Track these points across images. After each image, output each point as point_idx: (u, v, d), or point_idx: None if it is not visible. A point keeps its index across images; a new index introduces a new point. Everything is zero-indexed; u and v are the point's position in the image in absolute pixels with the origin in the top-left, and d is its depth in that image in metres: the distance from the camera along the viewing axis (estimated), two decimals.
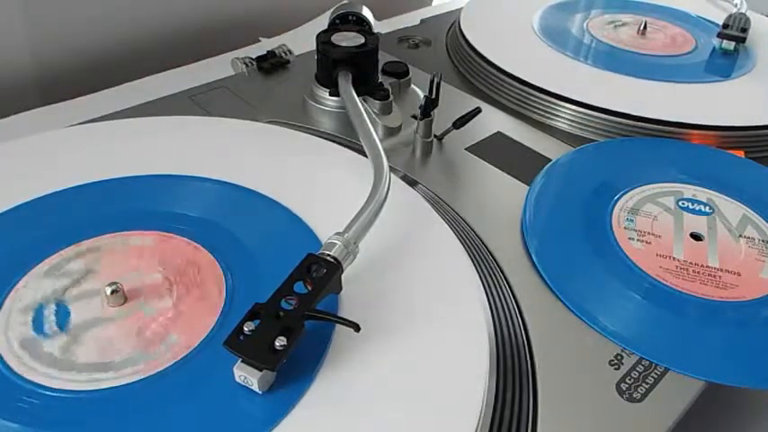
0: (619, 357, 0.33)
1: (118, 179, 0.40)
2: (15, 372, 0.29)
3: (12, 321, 0.31)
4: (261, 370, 0.27)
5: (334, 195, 0.40)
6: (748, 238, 0.41)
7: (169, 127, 0.46)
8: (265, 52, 0.58)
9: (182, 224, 0.37)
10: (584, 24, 0.67)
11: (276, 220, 0.38)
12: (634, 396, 0.31)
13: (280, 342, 0.27)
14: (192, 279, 0.34)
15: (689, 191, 0.44)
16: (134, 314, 0.32)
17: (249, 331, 0.28)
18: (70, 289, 0.33)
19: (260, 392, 0.28)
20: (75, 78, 0.64)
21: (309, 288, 0.30)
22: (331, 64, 0.49)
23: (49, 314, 0.31)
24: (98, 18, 0.64)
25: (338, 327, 0.31)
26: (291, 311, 0.28)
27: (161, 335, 0.31)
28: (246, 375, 0.27)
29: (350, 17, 0.53)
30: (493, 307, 0.35)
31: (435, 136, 0.48)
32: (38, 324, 0.31)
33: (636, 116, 0.51)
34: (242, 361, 0.27)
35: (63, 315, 0.31)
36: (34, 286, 0.33)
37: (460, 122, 0.47)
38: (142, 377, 0.29)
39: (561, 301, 0.36)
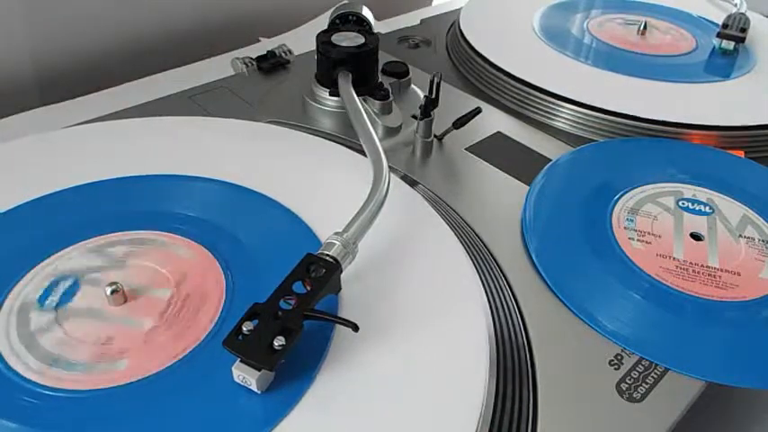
0: (619, 357, 0.33)
1: (118, 179, 0.40)
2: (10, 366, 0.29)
3: (32, 285, 0.32)
4: (259, 370, 0.27)
5: (333, 195, 0.40)
6: (748, 238, 0.41)
7: (169, 127, 0.46)
8: (265, 52, 0.58)
9: (182, 224, 0.37)
10: (585, 24, 0.67)
11: (276, 220, 0.38)
12: (634, 396, 0.31)
13: (278, 342, 0.27)
14: (191, 308, 0.32)
15: (689, 191, 0.44)
16: (113, 322, 0.31)
17: (248, 331, 0.27)
18: (96, 272, 0.33)
19: (259, 392, 0.28)
20: (74, 78, 0.64)
21: (308, 288, 0.30)
22: (331, 64, 0.49)
23: (61, 288, 0.32)
24: (98, 18, 0.64)
25: (338, 327, 0.31)
26: (290, 311, 0.28)
27: (116, 354, 0.30)
28: (245, 375, 0.27)
29: (350, 17, 0.53)
30: (493, 307, 0.35)
31: (435, 136, 0.48)
32: (46, 293, 0.32)
33: (636, 116, 0.51)
34: (240, 361, 0.27)
35: (69, 294, 0.32)
36: (76, 257, 0.34)
37: (460, 122, 0.47)
38: (142, 377, 0.29)
39: (561, 301, 0.36)
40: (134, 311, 0.32)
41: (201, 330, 0.31)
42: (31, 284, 0.32)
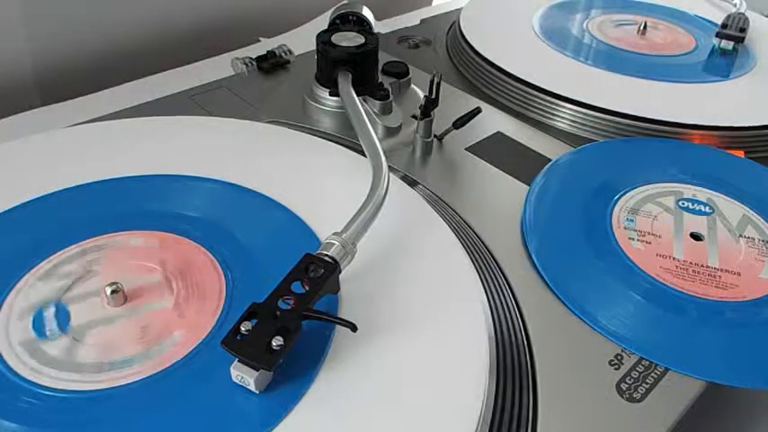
0: (619, 357, 0.33)
1: (118, 179, 0.40)
2: (15, 371, 0.29)
3: (11, 323, 0.31)
4: (257, 370, 0.27)
5: (333, 195, 0.40)
6: (748, 238, 0.41)
7: (169, 127, 0.46)
8: (265, 52, 0.58)
9: (182, 224, 0.37)
10: (585, 24, 0.67)
11: (276, 220, 0.38)
12: (634, 396, 0.31)
13: (276, 342, 0.27)
14: (192, 279, 0.34)
15: (689, 191, 0.44)
16: (134, 314, 0.32)
17: (246, 331, 0.27)
18: (70, 290, 0.33)
19: (257, 392, 0.28)
20: (75, 78, 0.64)
21: (307, 288, 0.30)
22: (331, 64, 0.49)
23: (49, 316, 0.31)
24: (98, 18, 0.64)
25: (338, 327, 0.31)
26: (288, 311, 0.28)
27: (161, 335, 0.31)
28: (243, 375, 0.27)
29: (350, 17, 0.52)
30: (493, 307, 0.34)
31: (435, 136, 0.48)
32: (38, 326, 0.31)
33: (636, 116, 0.51)
34: (239, 360, 0.27)
35: (63, 316, 0.31)
36: (34, 288, 0.33)
37: (460, 122, 0.47)
38: (142, 377, 0.29)
39: (561, 301, 0.36)
40: (138, 310, 0.32)
41: (201, 330, 0.31)
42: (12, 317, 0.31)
